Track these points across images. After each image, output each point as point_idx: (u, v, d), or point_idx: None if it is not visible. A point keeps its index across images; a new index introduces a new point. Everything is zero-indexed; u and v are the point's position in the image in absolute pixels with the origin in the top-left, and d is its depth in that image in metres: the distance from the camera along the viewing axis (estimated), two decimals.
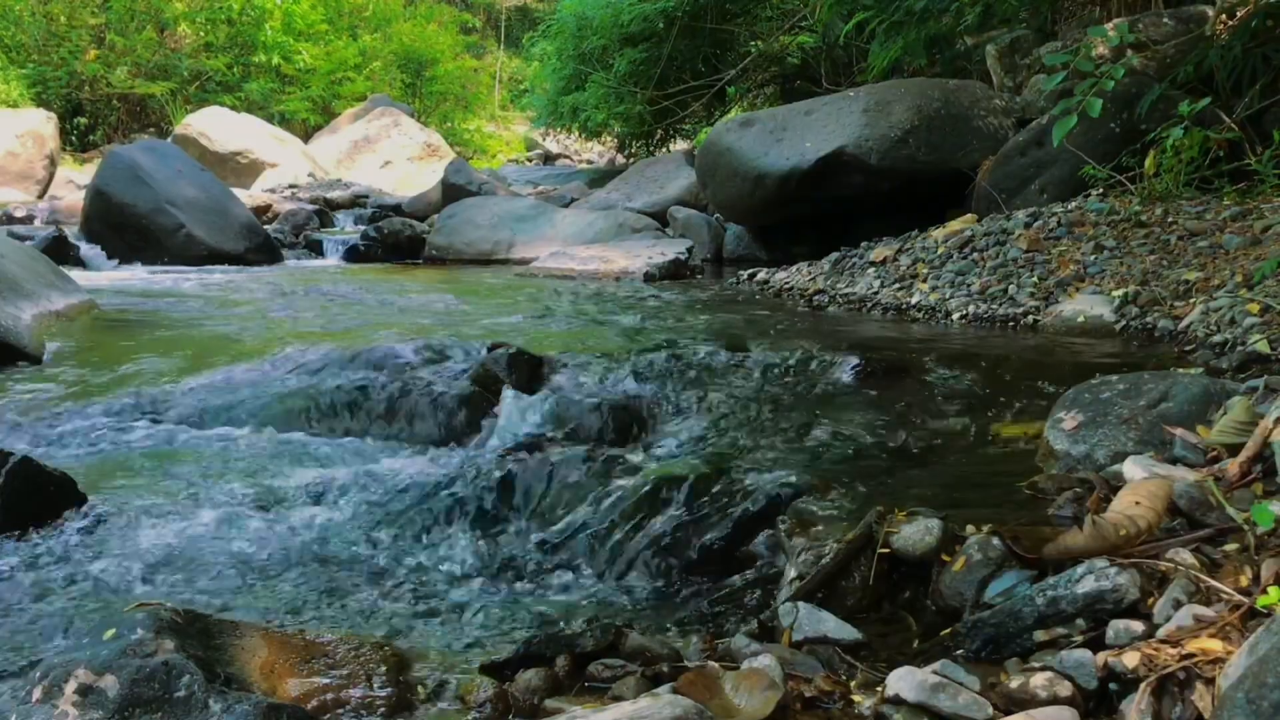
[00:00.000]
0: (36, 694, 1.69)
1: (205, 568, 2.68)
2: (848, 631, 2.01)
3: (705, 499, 2.84)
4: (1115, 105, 6.45)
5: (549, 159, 26.29)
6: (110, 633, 1.83)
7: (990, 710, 1.67)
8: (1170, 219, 5.82)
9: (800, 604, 2.07)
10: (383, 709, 1.91)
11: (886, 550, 2.19)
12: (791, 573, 2.31)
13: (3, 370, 4.53)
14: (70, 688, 1.68)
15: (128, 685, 1.69)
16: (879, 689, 1.77)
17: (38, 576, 2.58)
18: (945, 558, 2.17)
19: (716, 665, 1.86)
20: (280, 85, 20.85)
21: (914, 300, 6.03)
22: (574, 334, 5.33)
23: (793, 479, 2.86)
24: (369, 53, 22.44)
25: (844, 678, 1.88)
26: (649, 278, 7.84)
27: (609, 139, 18.88)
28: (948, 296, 5.90)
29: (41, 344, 4.88)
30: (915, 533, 2.20)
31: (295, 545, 2.83)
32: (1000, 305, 5.59)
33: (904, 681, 1.72)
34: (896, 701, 1.70)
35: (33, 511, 2.81)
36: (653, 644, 2.01)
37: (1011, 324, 5.40)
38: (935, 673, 1.74)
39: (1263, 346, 4.00)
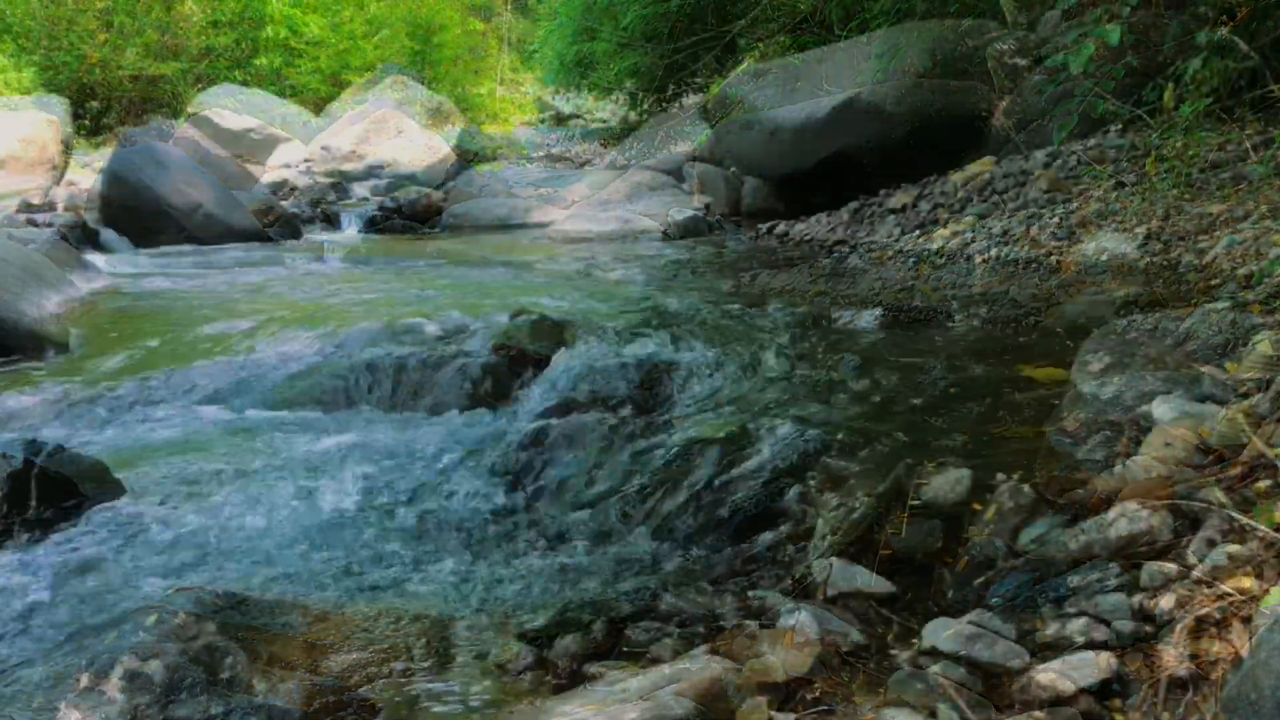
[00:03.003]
0: (84, 680, 1.72)
1: (242, 548, 2.71)
2: (881, 585, 2.01)
3: (734, 458, 2.84)
4: (1132, 38, 6.35)
5: (561, 120, 26.14)
6: (153, 618, 1.85)
7: (1027, 658, 1.67)
8: (1191, 152, 5.75)
9: (833, 559, 2.08)
10: (424, 680, 1.93)
11: (917, 502, 2.20)
12: (823, 528, 2.31)
13: (30, 360, 4.56)
14: (117, 674, 1.70)
15: (173, 669, 1.71)
16: (915, 641, 1.77)
17: (78, 564, 2.61)
18: (976, 506, 2.17)
19: (753, 624, 1.87)
20: (289, 58, 20.77)
21: (935, 246, 5.99)
22: (595, 297, 5.33)
23: (821, 434, 2.86)
24: (376, 21, 22.31)
25: (880, 631, 1.88)
26: (667, 236, 7.81)
27: (620, 96, 18.73)
28: (969, 240, 5.85)
29: (66, 332, 4.91)
30: (945, 483, 2.21)
31: (329, 521, 2.86)
32: (1022, 247, 5.54)
33: (940, 633, 1.73)
34: (933, 653, 1.71)
35: (68, 499, 2.84)
36: (688, 605, 2.02)
37: (1034, 265, 5.36)
38: (971, 622, 1.74)
39: None
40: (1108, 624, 1.73)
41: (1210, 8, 6.26)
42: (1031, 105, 7.22)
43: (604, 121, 23.88)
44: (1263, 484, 1.98)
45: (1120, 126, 6.47)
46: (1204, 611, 1.65)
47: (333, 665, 1.93)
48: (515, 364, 3.94)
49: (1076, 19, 5.78)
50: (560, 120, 25.61)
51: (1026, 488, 2.13)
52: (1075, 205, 5.73)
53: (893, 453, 2.64)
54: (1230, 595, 1.66)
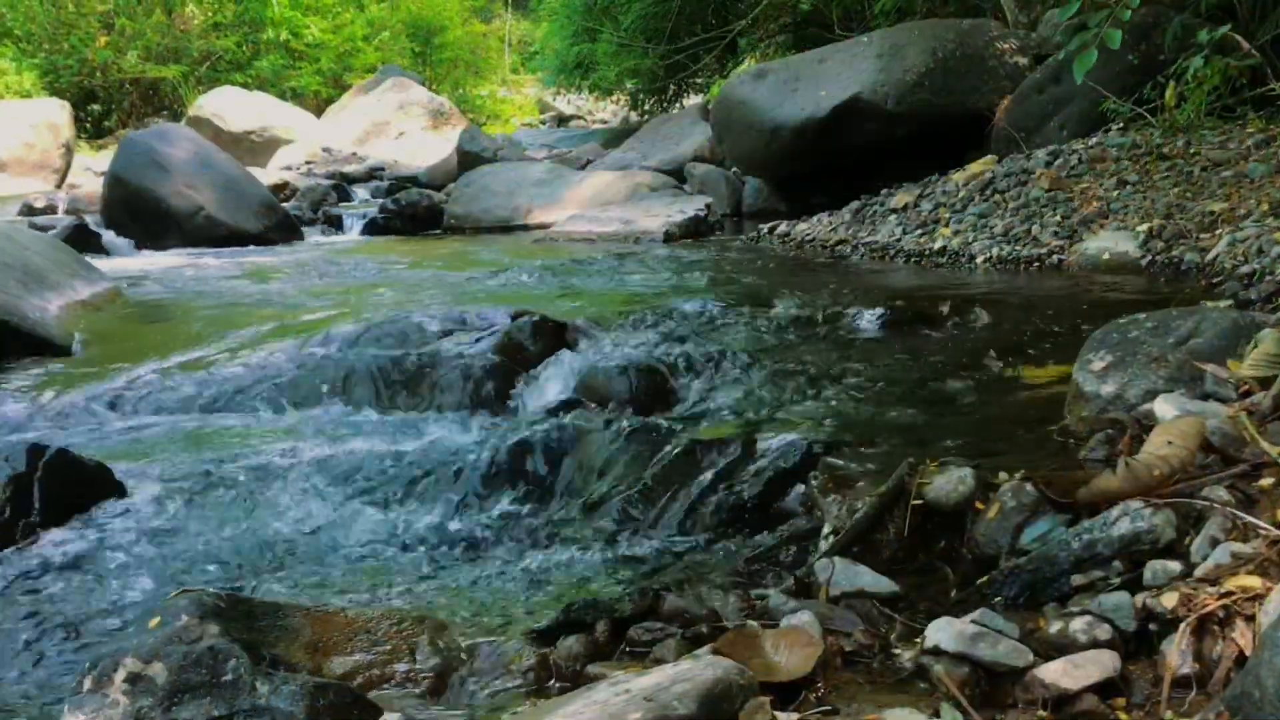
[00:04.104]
0: (87, 684, 1.72)
1: (244, 550, 2.71)
2: (884, 584, 2.01)
3: (737, 458, 2.84)
4: (1133, 37, 6.35)
5: (562, 121, 26.18)
6: (155, 620, 1.85)
7: (1030, 657, 1.67)
8: (1193, 150, 5.75)
9: (836, 559, 2.07)
10: (427, 681, 1.93)
11: (919, 502, 2.19)
12: (826, 528, 2.31)
13: (33, 362, 4.56)
14: (119, 677, 1.70)
15: (175, 671, 1.71)
16: (918, 640, 1.77)
17: (79, 567, 2.61)
18: (979, 506, 2.17)
19: (755, 624, 1.87)
20: (290, 61, 20.78)
21: (937, 245, 5.99)
22: (597, 298, 5.33)
23: (823, 434, 2.86)
24: (377, 23, 22.34)
25: (883, 630, 1.88)
26: (669, 237, 7.80)
27: (621, 97, 18.75)
28: (971, 240, 5.85)
29: (69, 334, 4.91)
30: (947, 483, 2.20)
31: (331, 522, 2.86)
32: (1024, 246, 5.54)
33: (943, 632, 1.72)
34: (936, 652, 1.71)
35: (71, 503, 2.84)
36: (691, 605, 2.02)
37: (1036, 264, 5.36)
38: (974, 621, 1.74)
39: None
40: (1111, 623, 1.73)
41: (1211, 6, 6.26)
42: (1033, 104, 7.22)
43: (605, 122, 23.91)
44: (1265, 482, 1.98)
45: (1121, 125, 6.47)
46: (1207, 610, 1.65)
47: (335, 667, 1.93)
48: (516, 365, 3.94)
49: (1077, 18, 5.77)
50: (561, 121, 25.64)
51: (1029, 486, 2.12)
52: (1077, 204, 5.72)
53: (895, 452, 2.64)
54: (1234, 593, 1.66)
